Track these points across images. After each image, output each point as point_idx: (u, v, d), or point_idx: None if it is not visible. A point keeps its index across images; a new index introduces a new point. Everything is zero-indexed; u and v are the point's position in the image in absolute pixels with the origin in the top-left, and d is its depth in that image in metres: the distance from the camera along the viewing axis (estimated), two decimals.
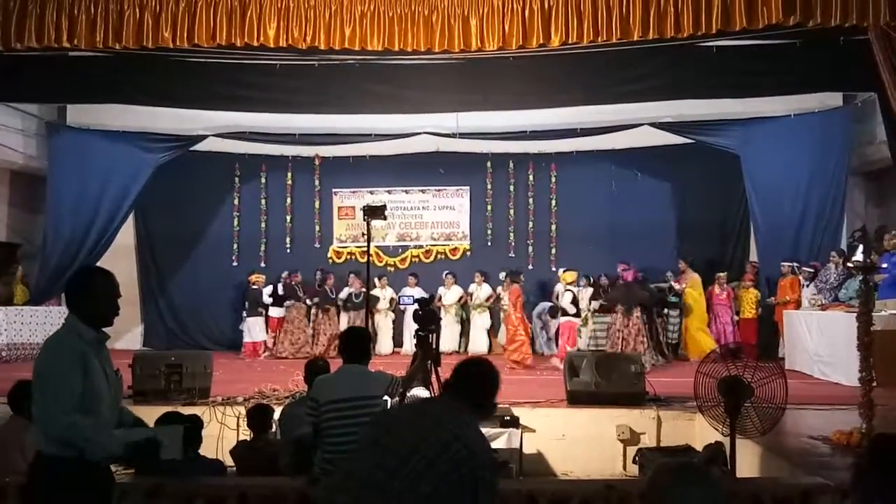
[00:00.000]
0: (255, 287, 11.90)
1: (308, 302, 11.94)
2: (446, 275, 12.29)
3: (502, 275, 12.16)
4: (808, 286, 9.81)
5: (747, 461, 4.93)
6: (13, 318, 10.38)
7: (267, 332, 11.97)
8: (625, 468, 6.38)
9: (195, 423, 4.23)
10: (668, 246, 12.38)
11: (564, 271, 10.67)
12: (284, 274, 12.03)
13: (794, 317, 9.67)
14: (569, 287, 10.42)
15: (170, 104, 10.46)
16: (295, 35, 7.10)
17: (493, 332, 12.27)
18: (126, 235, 12.36)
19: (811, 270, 9.83)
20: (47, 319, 10.84)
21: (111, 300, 2.78)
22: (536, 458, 6.40)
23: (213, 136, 11.65)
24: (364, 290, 11.73)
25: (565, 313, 10.34)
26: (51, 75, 9.13)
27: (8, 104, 11.03)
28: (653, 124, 11.02)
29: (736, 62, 8.77)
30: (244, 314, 11.99)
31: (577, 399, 6.79)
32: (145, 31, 7.12)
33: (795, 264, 10.16)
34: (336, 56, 8.30)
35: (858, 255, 5.26)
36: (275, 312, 11.86)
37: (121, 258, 12.35)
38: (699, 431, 6.08)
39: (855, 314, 5.03)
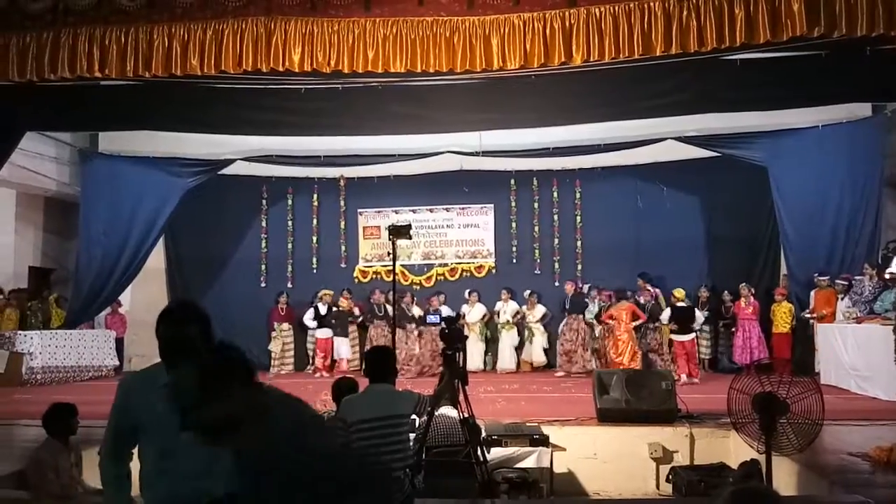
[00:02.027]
0: (341, 308, 12.00)
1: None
2: (469, 293, 12.28)
3: (527, 292, 12.15)
4: (842, 299, 9.62)
5: (784, 479, 4.82)
6: (48, 342, 10.58)
7: (315, 353, 12.11)
8: (658, 487, 6.27)
9: None
10: (697, 261, 12.26)
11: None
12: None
13: (828, 330, 9.48)
14: (681, 303, 10.49)
15: (198, 129, 10.69)
16: (319, 59, 7.22)
17: (520, 349, 12.22)
18: (156, 259, 12.58)
19: (844, 283, 9.65)
20: (81, 343, 11.04)
21: (170, 346, 2.39)
22: (567, 478, 6.32)
23: (241, 159, 11.88)
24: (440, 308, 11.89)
25: (688, 330, 10.42)
26: (83, 104, 9.39)
27: (42, 133, 11.33)
28: (678, 138, 10.96)
29: (760, 75, 8.68)
30: (313, 332, 12.12)
31: (607, 417, 6.70)
32: (174, 60, 7.30)
33: (826, 278, 9.99)
34: (359, 79, 8.40)
35: (893, 267, 5.15)
36: (322, 334, 11.99)
37: (151, 281, 12.60)
38: (734, 449, 5.97)
39: (892, 327, 4.92)
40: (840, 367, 8.94)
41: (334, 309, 12.01)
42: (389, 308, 11.65)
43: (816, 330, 9.92)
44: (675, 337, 10.46)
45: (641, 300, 11.03)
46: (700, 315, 10.73)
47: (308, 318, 12.08)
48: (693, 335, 10.52)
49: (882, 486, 4.31)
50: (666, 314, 10.61)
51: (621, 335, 10.49)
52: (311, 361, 12.31)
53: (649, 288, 11.18)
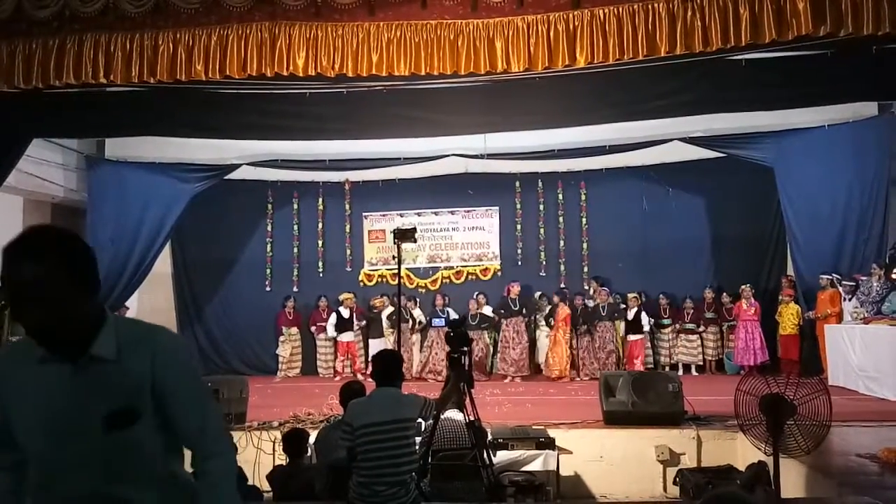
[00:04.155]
0: (376, 310, 12.01)
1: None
2: (477, 295, 12.27)
3: (537, 294, 12.14)
4: (849, 300, 9.57)
5: (792, 481, 4.80)
6: None
7: (336, 357, 12.11)
8: (665, 490, 6.25)
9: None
10: (703, 262, 12.24)
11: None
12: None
13: (836, 331, 9.43)
14: (634, 307, 11.71)
15: (204, 135, 10.70)
16: (323, 64, 7.23)
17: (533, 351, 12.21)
18: (163, 263, 12.61)
19: (852, 284, 9.60)
20: None
21: (13, 303, 1.57)
22: (574, 481, 6.31)
23: (247, 164, 11.91)
24: (479, 311, 11.92)
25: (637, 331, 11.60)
26: (89, 110, 9.41)
27: (48, 139, 11.38)
28: (683, 139, 10.93)
29: (766, 74, 8.62)
30: (335, 337, 12.09)
31: (613, 419, 6.68)
32: (179, 65, 7.32)
33: (835, 276, 9.94)
34: (364, 83, 8.41)
35: None
36: (344, 338, 12.02)
37: (158, 286, 12.64)
38: (741, 451, 5.95)
39: None
40: (848, 367, 8.89)
41: (375, 311, 12.02)
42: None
43: (824, 331, 9.88)
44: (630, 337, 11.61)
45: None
46: (647, 318, 11.67)
47: (330, 325, 12.06)
48: (640, 336, 11.60)
49: (891, 488, 4.28)
50: (645, 319, 11.65)
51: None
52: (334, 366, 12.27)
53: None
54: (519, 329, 11.58)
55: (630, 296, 11.70)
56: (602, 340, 11.41)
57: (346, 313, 12.06)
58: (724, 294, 11.68)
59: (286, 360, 12.35)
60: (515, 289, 11.82)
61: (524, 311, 11.75)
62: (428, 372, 11.54)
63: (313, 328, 12.38)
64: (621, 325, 11.64)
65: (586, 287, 12.32)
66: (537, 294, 12.21)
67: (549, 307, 11.82)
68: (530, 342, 11.92)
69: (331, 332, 12.08)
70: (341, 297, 12.21)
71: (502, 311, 11.77)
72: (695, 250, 12.18)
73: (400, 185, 12.74)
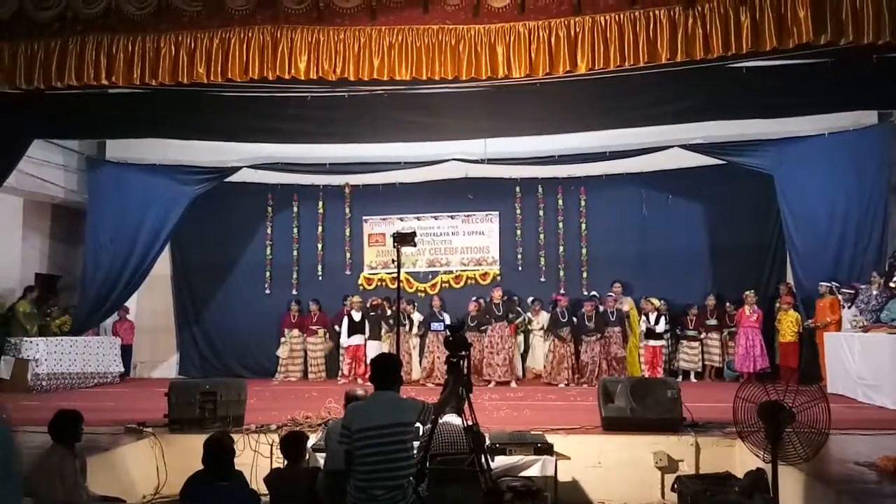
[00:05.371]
0: (373, 313, 11.94)
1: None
2: (477, 299, 12.26)
3: (530, 299, 12.13)
4: (848, 307, 9.57)
5: (790, 489, 4.79)
6: (53, 349, 10.59)
7: (343, 360, 12.04)
8: (663, 496, 6.23)
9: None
10: (702, 269, 12.23)
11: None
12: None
13: (835, 339, 9.43)
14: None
15: (205, 137, 10.73)
16: (325, 67, 7.24)
17: (525, 357, 12.18)
18: (162, 266, 12.62)
19: (851, 292, 9.60)
20: (87, 349, 11.06)
21: None
22: (572, 486, 6.29)
23: (247, 167, 11.94)
24: (478, 314, 11.79)
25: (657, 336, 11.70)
26: (90, 112, 9.43)
27: (49, 140, 11.39)
28: (683, 146, 10.95)
29: (767, 82, 8.66)
30: (350, 337, 11.90)
31: (612, 425, 6.67)
32: (180, 68, 7.33)
33: (835, 284, 9.95)
34: (365, 87, 8.42)
35: None
36: (353, 341, 11.88)
37: (157, 288, 12.66)
38: (739, 458, 5.93)
39: None
40: (847, 375, 8.89)
41: (371, 314, 11.93)
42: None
43: (824, 338, 9.87)
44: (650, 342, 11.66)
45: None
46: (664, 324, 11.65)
47: (345, 329, 11.93)
48: (660, 342, 11.62)
49: (890, 497, 4.27)
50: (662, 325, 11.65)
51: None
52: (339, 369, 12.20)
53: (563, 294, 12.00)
54: (503, 334, 11.52)
55: (657, 301, 11.61)
56: (615, 346, 11.32)
57: (357, 316, 11.95)
58: (728, 303, 11.65)
59: (285, 362, 12.33)
60: (498, 293, 11.79)
61: (508, 315, 11.70)
62: (435, 376, 11.35)
63: (304, 333, 12.37)
64: (643, 329, 11.61)
65: (590, 292, 12.21)
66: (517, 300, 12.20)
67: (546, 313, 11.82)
68: (526, 347, 11.93)
69: (345, 336, 11.96)
70: (350, 301, 12.10)
71: (487, 316, 11.71)
72: (694, 257, 12.19)
73: (400, 189, 12.76)
